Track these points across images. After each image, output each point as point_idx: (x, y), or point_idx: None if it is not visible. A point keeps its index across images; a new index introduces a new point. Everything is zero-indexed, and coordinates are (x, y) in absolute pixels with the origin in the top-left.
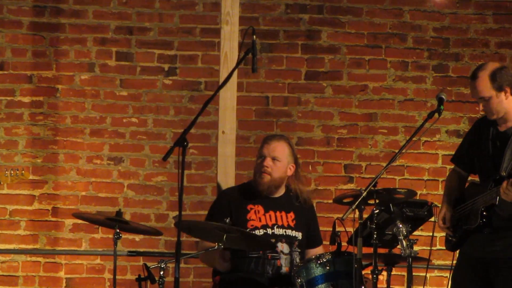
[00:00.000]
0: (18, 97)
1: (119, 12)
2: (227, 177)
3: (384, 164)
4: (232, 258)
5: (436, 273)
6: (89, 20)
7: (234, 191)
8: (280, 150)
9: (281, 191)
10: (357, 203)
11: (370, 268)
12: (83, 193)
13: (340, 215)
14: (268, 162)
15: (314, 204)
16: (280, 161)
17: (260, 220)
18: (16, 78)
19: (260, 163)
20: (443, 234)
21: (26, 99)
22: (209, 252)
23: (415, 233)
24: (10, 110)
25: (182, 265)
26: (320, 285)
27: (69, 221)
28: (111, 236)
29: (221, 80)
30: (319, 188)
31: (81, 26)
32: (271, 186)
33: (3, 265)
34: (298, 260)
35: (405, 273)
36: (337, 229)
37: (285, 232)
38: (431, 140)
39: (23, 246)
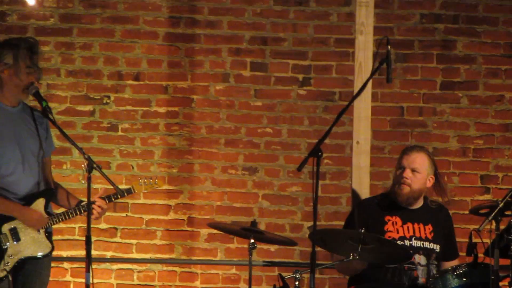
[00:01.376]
0: (154, 107)
1: (253, 22)
2: (362, 188)
3: None
4: (368, 268)
5: None
6: (224, 31)
7: (371, 202)
8: (420, 162)
9: (420, 203)
10: (494, 214)
11: (507, 280)
12: (218, 203)
13: (477, 226)
14: (407, 173)
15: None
16: (419, 173)
17: (397, 232)
18: (152, 88)
19: (399, 174)
20: None
21: (162, 110)
22: (345, 262)
23: None
24: (146, 121)
25: (317, 275)
26: None
27: (205, 231)
28: (246, 246)
29: (356, 90)
30: (455, 199)
31: (216, 36)
32: (410, 197)
33: (140, 275)
34: (434, 271)
35: None
36: (474, 240)
37: (423, 244)
38: None
39: (159, 255)
